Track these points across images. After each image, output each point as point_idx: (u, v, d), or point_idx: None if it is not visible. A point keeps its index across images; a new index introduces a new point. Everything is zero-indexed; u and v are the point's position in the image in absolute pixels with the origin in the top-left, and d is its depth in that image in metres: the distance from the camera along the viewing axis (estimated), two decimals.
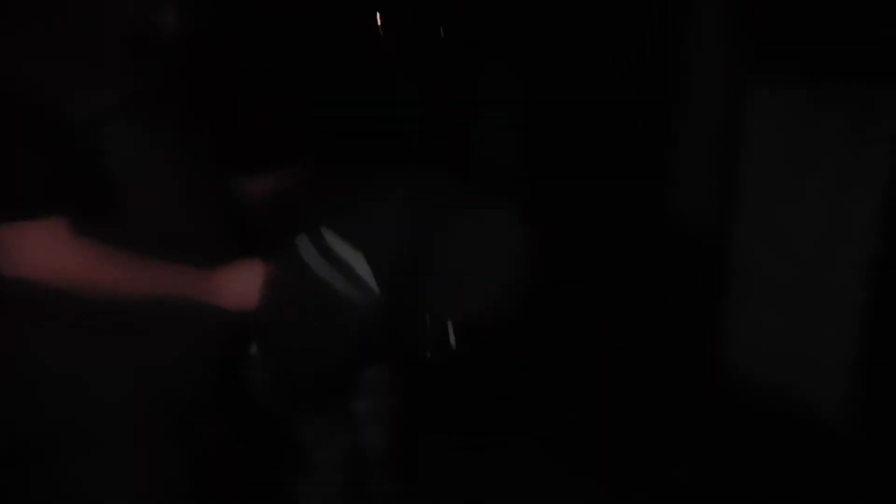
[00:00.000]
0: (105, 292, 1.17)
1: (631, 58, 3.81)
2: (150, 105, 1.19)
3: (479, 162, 4.18)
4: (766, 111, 2.76)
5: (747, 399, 2.81)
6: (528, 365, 3.07)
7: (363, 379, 1.75)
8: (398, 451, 1.95)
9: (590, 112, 4.09)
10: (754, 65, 2.83)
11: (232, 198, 1.39)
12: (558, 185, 3.99)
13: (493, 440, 2.69)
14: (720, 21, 3.17)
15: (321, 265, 1.28)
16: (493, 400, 2.88)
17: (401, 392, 1.86)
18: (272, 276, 1.33)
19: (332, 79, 2.01)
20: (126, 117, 1.14)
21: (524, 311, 1.41)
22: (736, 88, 2.98)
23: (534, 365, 3.09)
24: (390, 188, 1.37)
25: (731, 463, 2.53)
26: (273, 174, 1.57)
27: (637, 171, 3.97)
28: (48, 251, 1.11)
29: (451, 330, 1.38)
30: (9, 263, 1.11)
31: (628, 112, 3.92)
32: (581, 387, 2.98)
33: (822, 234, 2.62)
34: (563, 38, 4.15)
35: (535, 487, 2.44)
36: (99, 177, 1.13)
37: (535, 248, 1.38)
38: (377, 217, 1.33)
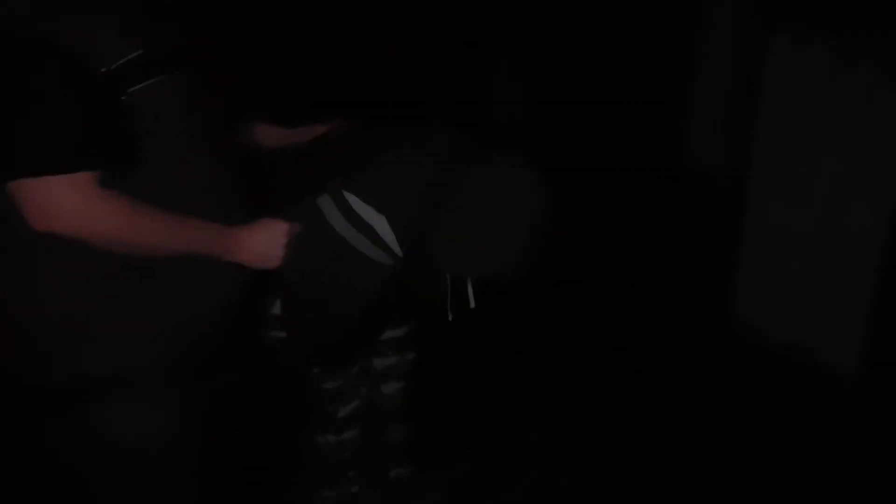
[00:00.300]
0: (131, 247, 1.19)
1: (646, 9, 3.74)
2: (176, 59, 1.19)
3: (492, 119, 4.15)
4: (785, 63, 2.72)
5: (760, 353, 2.83)
6: (543, 318, 3.10)
7: (382, 336, 1.78)
8: (415, 406, 1.99)
9: (603, 67, 4.04)
10: (773, 16, 2.77)
11: (256, 156, 1.39)
12: (572, 140, 3.96)
13: (508, 391, 2.72)
14: None
15: (345, 226, 1.29)
16: (508, 351, 2.92)
17: (419, 348, 1.89)
18: (295, 235, 1.34)
19: (346, 39, 2.00)
20: (153, 71, 1.15)
21: (541, 266, 1.41)
22: (754, 40, 2.92)
23: (548, 318, 3.11)
24: (410, 149, 1.37)
25: (744, 416, 2.55)
26: (295, 132, 1.57)
27: (652, 123, 3.93)
28: (76, 206, 1.12)
29: (470, 288, 1.39)
30: (38, 218, 1.12)
31: (643, 64, 3.86)
32: (595, 339, 3.01)
33: (838, 188, 2.61)
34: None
35: (546, 437, 2.48)
36: (125, 131, 1.14)
37: (552, 204, 1.38)
38: (399, 180, 1.33)
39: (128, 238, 1.18)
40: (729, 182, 3.19)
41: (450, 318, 1.40)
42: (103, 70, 1.10)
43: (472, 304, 1.39)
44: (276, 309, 1.52)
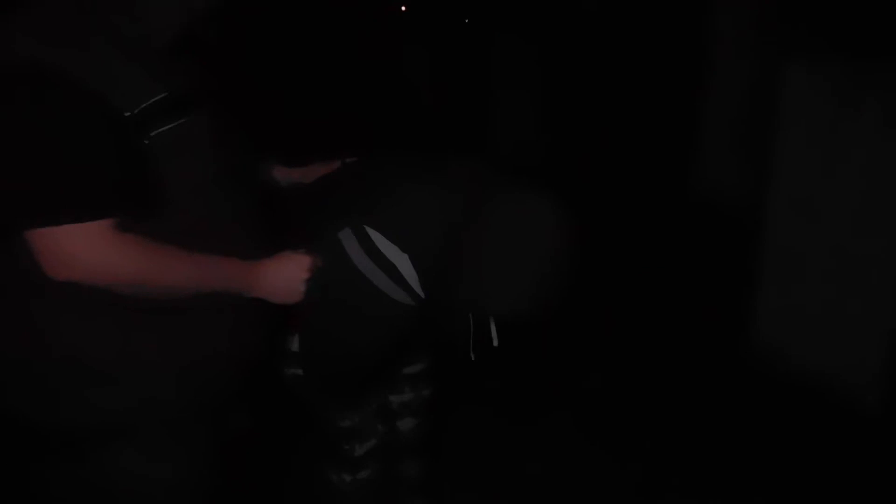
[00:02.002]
0: (152, 290, 1.17)
1: (661, 31, 3.74)
2: (198, 100, 1.18)
3: (502, 144, 4.14)
4: (801, 87, 2.71)
5: (779, 377, 2.79)
6: (562, 348, 3.06)
7: (400, 372, 1.75)
8: (432, 442, 1.96)
9: (617, 90, 4.04)
10: (789, 41, 2.77)
11: (276, 192, 1.38)
12: (585, 164, 3.95)
13: (528, 423, 2.69)
14: None
15: (366, 263, 1.26)
16: (529, 384, 2.88)
17: (438, 385, 1.85)
18: (316, 269, 1.32)
19: (360, 73, 2.00)
20: (176, 113, 1.14)
21: (562, 296, 1.38)
22: (770, 64, 2.92)
23: (567, 347, 3.08)
24: (432, 183, 1.34)
25: (762, 441, 2.51)
26: (313, 168, 1.56)
27: (668, 148, 3.92)
28: (95, 253, 1.10)
29: (493, 328, 1.36)
30: (55, 266, 1.10)
31: (658, 87, 3.86)
32: (614, 367, 2.98)
33: (856, 213, 2.58)
34: (586, 13, 4.08)
35: (567, 469, 2.44)
36: (147, 175, 1.12)
37: (573, 236, 1.35)
38: (422, 217, 1.30)
39: (148, 281, 1.16)
40: (746, 207, 3.17)
41: (472, 358, 1.37)
42: (127, 114, 1.09)
43: (496, 343, 1.35)
44: (294, 345, 1.49)
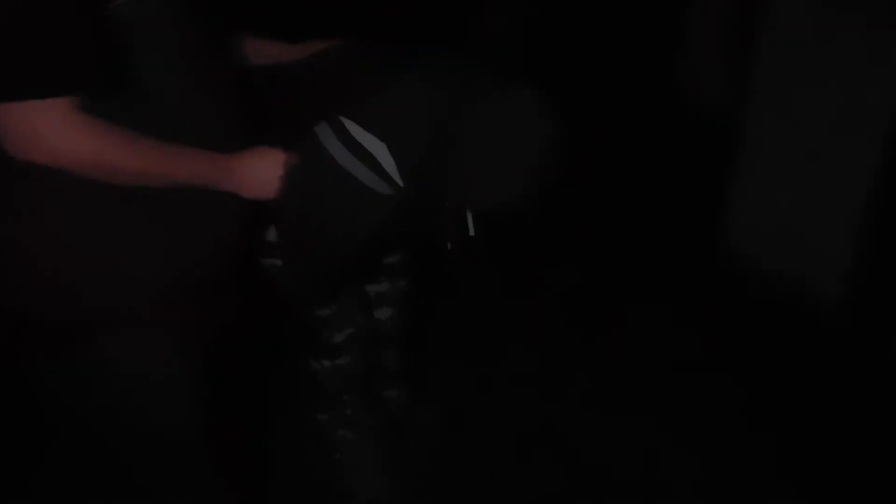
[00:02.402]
0: (117, 177, 1.14)
1: None
2: None
3: (485, 43, 4.05)
4: None
5: (748, 277, 2.87)
6: (539, 241, 3.12)
7: (380, 263, 1.78)
8: (410, 332, 2.02)
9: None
10: None
11: (251, 82, 1.35)
12: (565, 67, 3.89)
13: (506, 308, 2.77)
14: None
15: (344, 154, 1.26)
16: (510, 273, 2.96)
17: (416, 276, 1.89)
18: (292, 164, 1.31)
19: None
20: None
21: (541, 194, 1.40)
22: None
23: (544, 240, 3.13)
24: (414, 76, 1.33)
25: (730, 344, 2.61)
26: (293, 48, 1.52)
27: (647, 53, 3.87)
28: (56, 132, 1.06)
29: (470, 220, 1.38)
30: (16, 146, 1.07)
31: None
32: (590, 262, 3.04)
33: (833, 118, 2.60)
34: None
35: (543, 355, 2.54)
36: (111, 54, 1.08)
37: (555, 131, 1.36)
38: (402, 108, 1.29)
39: (113, 167, 1.12)
40: (725, 110, 3.17)
41: (449, 247, 1.39)
42: None
43: (472, 232, 1.38)
44: (272, 236, 1.51)
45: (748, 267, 2.90)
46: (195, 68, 1.21)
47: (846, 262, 2.60)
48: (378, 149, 1.25)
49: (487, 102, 1.33)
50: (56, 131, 1.06)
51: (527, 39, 4.02)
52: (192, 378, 1.38)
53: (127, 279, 1.22)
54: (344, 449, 1.90)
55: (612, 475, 2.10)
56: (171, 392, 1.35)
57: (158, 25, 1.12)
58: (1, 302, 1.22)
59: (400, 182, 1.27)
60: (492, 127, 1.31)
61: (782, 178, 2.80)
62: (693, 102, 3.77)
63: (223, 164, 1.25)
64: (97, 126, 1.09)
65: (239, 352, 1.78)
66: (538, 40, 4.00)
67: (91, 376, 1.28)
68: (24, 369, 1.35)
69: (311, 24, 1.55)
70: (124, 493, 1.43)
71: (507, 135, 1.31)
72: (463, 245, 1.40)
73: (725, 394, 2.38)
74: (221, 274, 1.36)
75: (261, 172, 1.30)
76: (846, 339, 2.56)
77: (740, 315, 2.73)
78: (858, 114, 2.50)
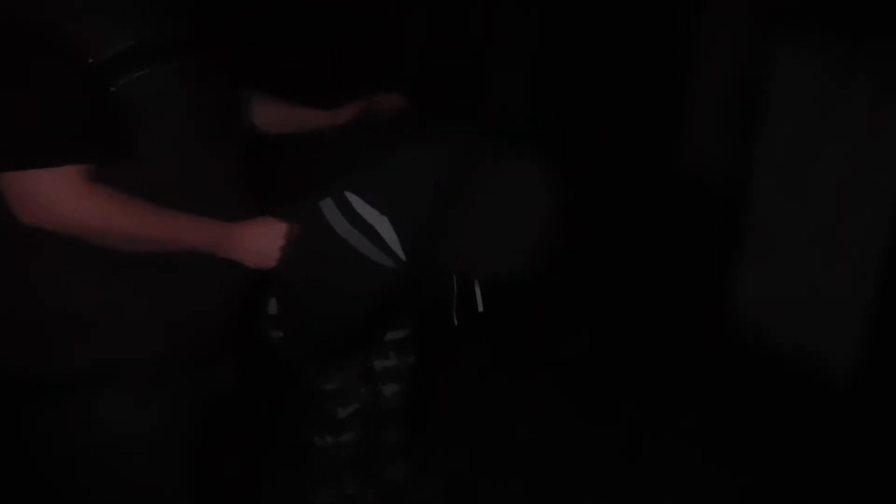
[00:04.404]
0: (122, 243, 1.15)
1: (651, 6, 3.70)
2: (170, 49, 1.15)
3: (492, 115, 4.11)
4: (791, 66, 2.69)
5: (757, 350, 2.82)
6: (543, 313, 3.07)
7: (383, 337, 1.74)
8: (416, 407, 1.96)
9: (605, 66, 3.99)
10: (780, 18, 2.74)
11: (255, 154, 1.35)
12: (571, 138, 3.93)
13: (516, 386, 2.71)
14: None
15: (345, 227, 1.24)
16: (514, 348, 2.90)
17: (422, 351, 1.85)
18: (294, 235, 1.30)
19: (345, 29, 1.95)
20: (144, 61, 1.11)
21: (546, 264, 1.37)
22: (758, 43, 2.90)
23: (548, 312, 3.09)
24: (417, 147, 1.32)
25: (739, 412, 2.54)
26: (301, 113, 1.53)
27: (653, 123, 3.91)
28: (63, 199, 1.09)
29: (478, 292, 1.34)
30: (25, 211, 1.09)
31: (646, 64, 3.82)
32: (598, 333, 3.00)
33: (839, 191, 2.59)
34: None
35: (544, 433, 2.47)
36: (117, 123, 1.10)
37: (560, 203, 1.34)
38: (404, 180, 1.28)
39: (118, 233, 1.14)
40: (730, 183, 3.17)
41: (456, 323, 1.36)
42: (91, 61, 1.06)
43: (481, 308, 1.34)
44: (273, 308, 1.48)
45: (757, 339, 2.85)
46: (202, 137, 1.22)
47: (856, 333, 2.55)
48: (380, 222, 1.24)
49: (492, 172, 1.31)
50: (63, 197, 1.09)
51: (532, 109, 4.07)
52: (182, 442, 1.35)
53: (120, 337, 1.21)
54: None
55: None
56: (160, 454, 1.32)
57: (165, 99, 1.14)
58: None
59: (402, 255, 1.25)
60: (496, 197, 1.29)
61: (790, 250, 2.77)
62: (698, 174, 3.78)
63: (225, 232, 1.25)
64: (103, 193, 1.11)
65: (232, 421, 1.75)
66: (543, 110, 4.05)
67: (80, 431, 1.25)
68: (15, 418, 1.32)
69: (321, 87, 1.56)
70: None
71: (511, 205, 1.29)
72: (470, 319, 1.36)
73: (733, 468, 2.31)
74: (217, 341, 1.34)
75: (262, 242, 1.29)
76: (858, 411, 2.49)
77: (749, 387, 2.66)
78: (865, 185, 2.50)
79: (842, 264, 2.58)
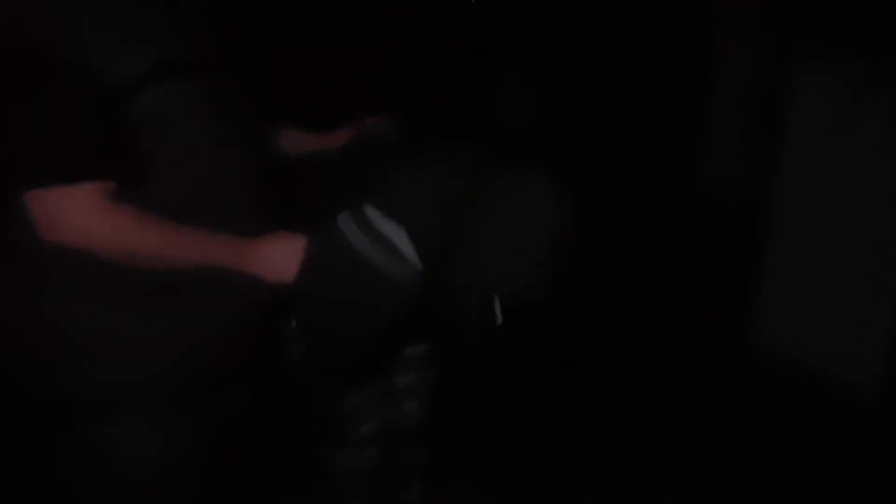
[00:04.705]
0: (143, 260, 1.17)
1: (667, 24, 3.71)
2: (188, 69, 1.17)
3: (507, 131, 4.12)
4: (808, 86, 2.69)
5: (779, 375, 2.78)
6: (561, 336, 3.04)
7: (403, 354, 1.73)
8: (432, 427, 1.95)
9: (622, 82, 3.99)
10: (797, 38, 2.74)
11: (272, 170, 1.36)
12: (588, 156, 3.92)
13: (525, 409, 2.67)
14: None
15: (362, 241, 1.25)
16: (526, 370, 2.86)
17: (441, 367, 1.84)
18: (312, 251, 1.30)
19: (357, 47, 1.98)
20: (161, 82, 1.13)
21: (563, 283, 1.37)
22: (777, 61, 2.89)
23: (566, 336, 3.06)
24: (433, 163, 1.33)
25: (759, 437, 2.51)
26: (313, 145, 1.55)
27: (672, 142, 3.89)
28: (86, 218, 1.11)
29: (497, 307, 1.34)
30: (47, 228, 1.12)
31: (663, 80, 3.82)
32: (613, 357, 2.96)
33: (859, 213, 2.56)
34: (592, 8, 4.03)
35: (562, 458, 2.43)
36: (136, 142, 1.12)
37: (574, 221, 1.34)
38: (420, 194, 1.29)
39: (137, 250, 1.15)
40: (748, 201, 3.15)
41: (473, 341, 1.36)
42: (108, 81, 1.09)
43: (500, 320, 1.34)
44: (293, 324, 1.48)
45: (777, 362, 2.81)
46: (221, 156, 1.23)
47: (880, 355, 2.51)
48: (396, 234, 1.24)
49: (505, 187, 1.32)
50: (83, 215, 1.11)
51: (546, 126, 4.06)
52: (194, 466, 1.36)
53: (132, 363, 1.22)
54: None
55: None
56: (173, 476, 1.32)
57: (183, 118, 1.16)
58: (11, 380, 1.24)
59: (418, 266, 1.26)
60: (509, 212, 1.30)
61: (810, 269, 2.74)
62: (715, 191, 3.76)
63: (243, 249, 1.26)
64: (122, 211, 1.13)
65: (248, 441, 1.75)
66: (557, 127, 4.05)
67: (92, 453, 1.27)
68: (28, 439, 1.35)
69: (340, 113, 1.58)
70: None
71: (524, 220, 1.30)
72: (489, 335, 1.36)
73: (757, 493, 2.26)
74: (232, 363, 1.35)
75: (280, 257, 1.29)
76: (883, 434, 2.44)
77: (770, 411, 2.62)
78: (886, 202, 2.47)
79: (864, 283, 2.55)
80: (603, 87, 4.10)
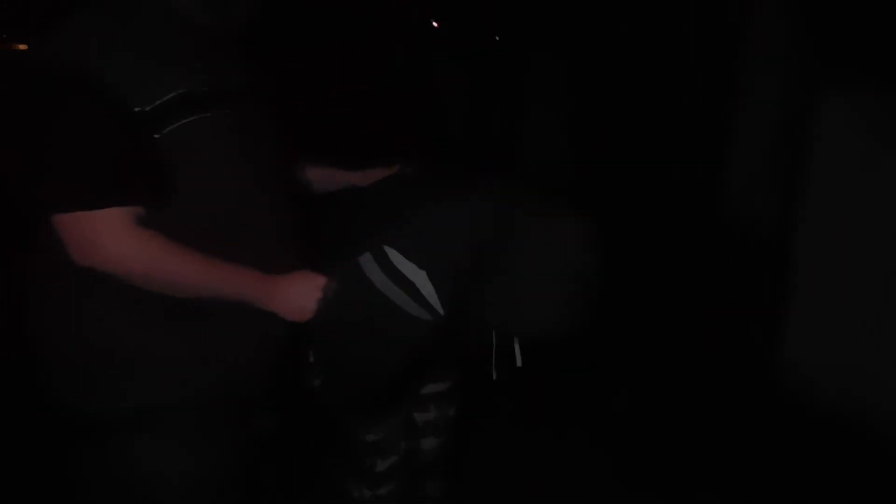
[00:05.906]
0: (166, 287, 1.18)
1: (693, 55, 3.70)
2: (217, 98, 1.19)
3: (532, 167, 4.13)
4: (835, 117, 2.67)
5: (808, 405, 2.73)
6: (588, 367, 3.03)
7: (423, 390, 1.74)
8: (454, 461, 1.94)
9: (650, 116, 3.98)
10: (825, 68, 2.73)
11: (297, 201, 1.38)
12: (616, 191, 3.91)
13: (549, 440, 2.66)
14: (787, 20, 3.07)
15: (384, 281, 1.26)
16: (552, 403, 2.85)
17: (462, 404, 1.84)
18: (332, 289, 1.32)
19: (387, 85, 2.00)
20: (191, 110, 1.15)
21: (586, 320, 1.36)
22: (805, 92, 2.88)
23: (593, 366, 3.04)
24: (457, 202, 1.34)
25: (792, 467, 2.46)
26: (339, 181, 1.56)
27: (701, 172, 3.87)
28: (111, 241, 1.13)
29: (517, 347, 1.34)
30: (77, 251, 1.14)
31: (690, 113, 3.81)
32: (640, 388, 2.93)
33: (889, 243, 2.53)
34: (619, 34, 4.04)
35: (589, 492, 2.40)
36: (165, 169, 1.14)
37: (602, 256, 1.34)
38: (443, 235, 1.29)
39: (161, 277, 1.17)
40: (778, 235, 3.12)
41: (494, 377, 1.36)
42: (137, 109, 1.11)
43: (519, 363, 1.34)
44: (313, 358, 1.49)
45: (809, 395, 2.76)
46: (247, 187, 1.25)
47: None
48: (418, 276, 1.25)
49: (531, 226, 1.32)
50: (111, 240, 1.13)
51: (573, 163, 4.06)
52: (220, 488, 1.36)
53: (165, 384, 1.24)
54: None
55: None
56: (198, 496, 1.33)
57: (211, 146, 1.18)
58: (43, 395, 1.26)
59: (439, 309, 1.26)
60: (535, 251, 1.30)
61: (839, 298, 2.70)
62: (743, 227, 3.73)
63: (265, 285, 1.27)
64: (150, 237, 1.15)
65: (271, 468, 1.75)
66: (583, 163, 4.04)
67: (121, 470, 1.28)
68: (62, 454, 1.36)
69: (367, 151, 1.60)
70: None
71: (551, 260, 1.29)
72: (508, 374, 1.36)
73: None
74: (256, 388, 1.36)
75: (300, 295, 1.30)
76: None
77: (800, 439, 2.58)
78: None
79: (893, 311, 2.50)
80: (630, 119, 4.10)
